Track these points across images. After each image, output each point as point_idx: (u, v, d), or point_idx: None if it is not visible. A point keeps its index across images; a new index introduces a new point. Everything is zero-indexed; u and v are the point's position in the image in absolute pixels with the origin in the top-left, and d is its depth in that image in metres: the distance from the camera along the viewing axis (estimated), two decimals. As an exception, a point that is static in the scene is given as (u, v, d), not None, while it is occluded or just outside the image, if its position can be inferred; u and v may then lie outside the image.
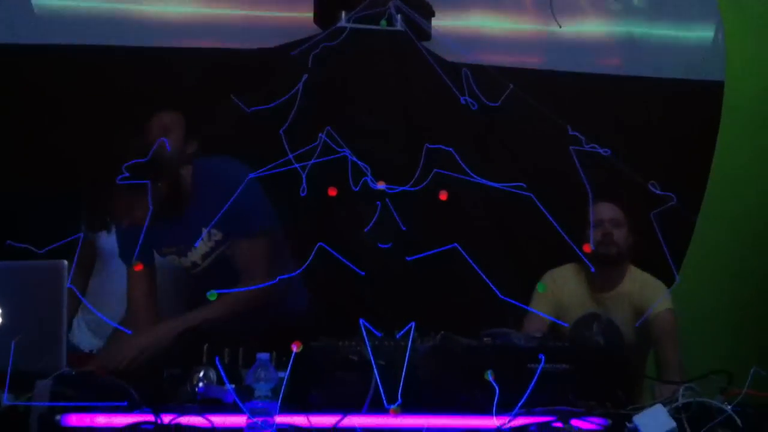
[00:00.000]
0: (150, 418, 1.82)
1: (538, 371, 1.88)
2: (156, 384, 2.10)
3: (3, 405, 1.88)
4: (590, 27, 3.66)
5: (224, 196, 2.21)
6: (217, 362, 1.91)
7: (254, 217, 2.53)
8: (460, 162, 2.25)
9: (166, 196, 2.43)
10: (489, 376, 1.86)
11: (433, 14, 3.46)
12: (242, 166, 2.50)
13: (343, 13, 3.23)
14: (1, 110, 3.28)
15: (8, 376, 1.85)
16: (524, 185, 2.19)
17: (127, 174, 2.21)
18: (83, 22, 3.53)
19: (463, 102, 2.48)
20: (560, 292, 3.09)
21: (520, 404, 1.83)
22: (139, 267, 2.42)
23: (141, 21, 3.59)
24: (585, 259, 2.43)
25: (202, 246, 2.60)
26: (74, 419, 1.86)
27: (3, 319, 2.02)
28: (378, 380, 1.83)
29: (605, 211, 3.05)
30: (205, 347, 2.09)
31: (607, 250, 3.01)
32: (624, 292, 3.07)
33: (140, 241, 2.24)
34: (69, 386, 1.94)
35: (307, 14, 3.38)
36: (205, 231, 2.54)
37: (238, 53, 3.47)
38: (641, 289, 3.05)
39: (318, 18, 3.41)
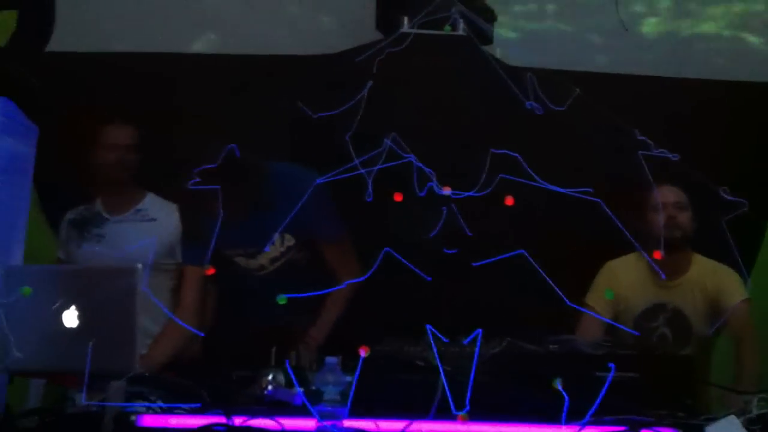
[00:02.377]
0: (221, 419, 1.86)
1: (609, 380, 1.85)
2: (225, 386, 2.14)
3: (80, 404, 1.94)
4: (656, 29, 3.60)
5: (297, 203, 2.25)
6: (287, 365, 1.93)
7: (335, 221, 2.65)
8: (526, 167, 2.24)
9: (236, 200, 2.48)
10: (557, 384, 1.84)
11: (495, 18, 3.44)
12: (313, 173, 2.54)
13: (406, 19, 3.24)
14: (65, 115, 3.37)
15: (86, 377, 1.90)
16: (591, 190, 2.16)
17: (197, 179, 2.26)
18: (145, 29, 3.62)
19: (529, 107, 2.47)
20: (619, 285, 3.03)
21: (590, 413, 1.81)
22: (211, 271, 2.47)
23: (204, 30, 3.66)
24: (655, 267, 2.41)
25: (272, 250, 2.66)
26: (149, 420, 1.90)
27: (79, 321, 2.08)
28: (446, 386, 1.84)
29: (668, 194, 2.98)
30: (273, 350, 2.13)
31: (671, 233, 2.90)
32: (693, 279, 3.00)
33: (212, 245, 2.28)
34: (142, 387, 1.99)
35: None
36: (276, 234, 2.60)
37: (300, 60, 3.51)
38: (713, 275, 2.98)
39: (380, 24, 3.42)
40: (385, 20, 3.39)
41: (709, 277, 2.99)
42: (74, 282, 2.14)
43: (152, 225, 3.04)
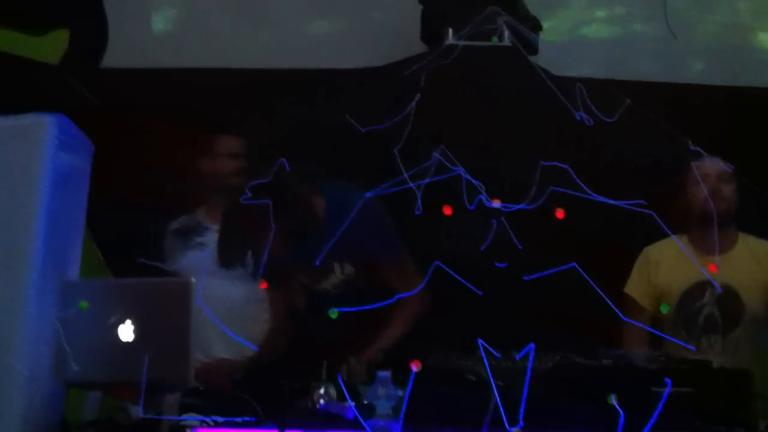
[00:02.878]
0: (275, 432, 1.88)
1: (665, 395, 1.82)
2: (277, 399, 2.15)
3: (136, 417, 1.97)
4: (705, 35, 3.56)
5: (361, 231, 2.29)
6: (339, 379, 1.94)
7: (395, 244, 2.69)
8: (576, 179, 2.22)
9: (300, 221, 2.52)
10: (613, 400, 1.82)
11: (540, 28, 3.43)
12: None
13: (451, 31, 3.24)
14: (125, 132, 3.44)
15: (143, 390, 1.93)
16: (644, 202, 2.13)
17: (249, 194, 2.28)
18: (192, 45, 3.67)
19: (579, 118, 2.45)
20: (658, 269, 2.92)
21: (646, 429, 1.79)
22: (263, 285, 2.50)
23: (249, 44, 3.70)
24: (713, 281, 2.37)
25: (332, 277, 2.73)
26: (203, 433, 1.93)
27: (135, 334, 2.11)
28: (498, 401, 1.83)
29: (711, 165, 2.84)
30: (324, 363, 2.14)
31: (717, 207, 2.76)
32: (742, 255, 2.88)
33: (264, 259, 2.31)
34: (197, 400, 2.02)
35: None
36: (325, 250, 2.61)
37: (347, 73, 3.52)
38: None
39: (425, 36, 3.43)
40: (430, 32, 3.39)
41: (765, 257, 2.88)
42: (130, 296, 2.17)
43: None
